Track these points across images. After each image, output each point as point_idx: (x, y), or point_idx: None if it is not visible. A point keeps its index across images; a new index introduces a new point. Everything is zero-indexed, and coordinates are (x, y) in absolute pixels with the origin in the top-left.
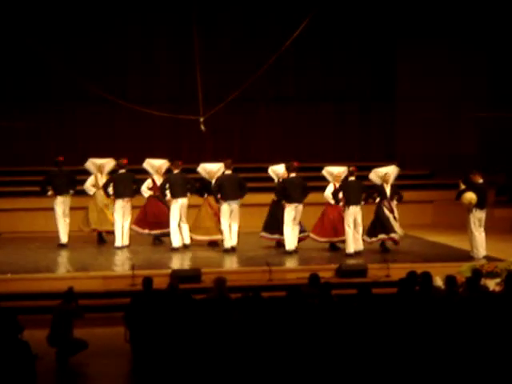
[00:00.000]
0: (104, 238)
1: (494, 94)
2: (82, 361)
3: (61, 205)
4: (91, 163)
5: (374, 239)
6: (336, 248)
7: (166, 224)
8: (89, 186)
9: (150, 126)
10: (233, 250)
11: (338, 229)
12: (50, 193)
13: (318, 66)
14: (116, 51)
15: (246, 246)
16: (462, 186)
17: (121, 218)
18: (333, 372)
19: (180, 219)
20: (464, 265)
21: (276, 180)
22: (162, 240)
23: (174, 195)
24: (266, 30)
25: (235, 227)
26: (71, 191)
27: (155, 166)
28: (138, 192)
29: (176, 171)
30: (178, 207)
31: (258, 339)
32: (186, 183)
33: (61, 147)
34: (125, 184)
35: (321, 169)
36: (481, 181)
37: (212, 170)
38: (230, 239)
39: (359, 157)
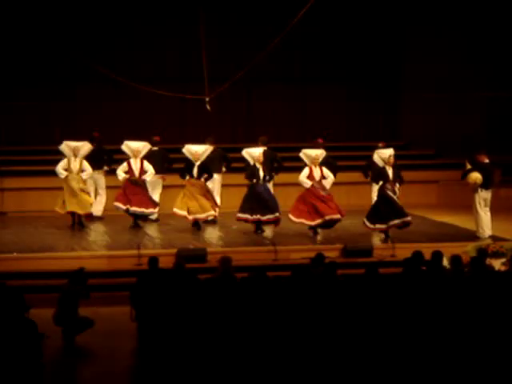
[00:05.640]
0: (83, 223)
1: (501, 73)
2: (88, 340)
3: (91, 180)
4: (66, 146)
5: (375, 226)
6: (316, 232)
7: (144, 205)
8: (60, 169)
9: (157, 105)
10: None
11: (311, 213)
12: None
13: (325, 45)
14: (122, 30)
15: (250, 226)
16: (468, 166)
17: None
18: (338, 351)
19: None
20: (469, 244)
21: (251, 163)
22: (140, 225)
23: None
24: (274, 9)
25: None
26: (105, 167)
27: (133, 148)
28: (170, 169)
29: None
30: None
31: (263, 319)
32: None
33: (68, 126)
34: (156, 161)
35: (326, 148)
36: (487, 161)
37: (197, 151)
38: None
39: (365, 137)
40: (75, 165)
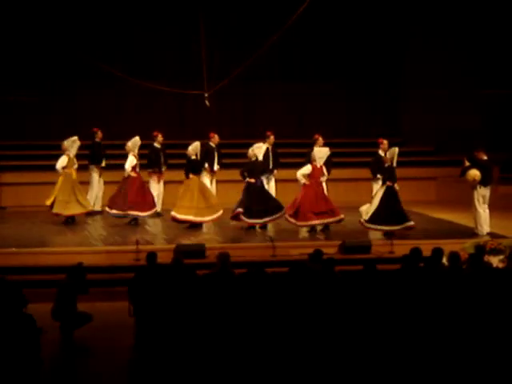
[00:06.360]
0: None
1: (500, 70)
2: (86, 335)
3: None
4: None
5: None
6: (327, 227)
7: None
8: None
9: (156, 101)
10: None
11: (316, 211)
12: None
13: (323, 41)
14: (122, 27)
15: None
16: (467, 163)
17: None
18: (336, 347)
19: None
20: (468, 241)
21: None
22: (137, 221)
23: None
24: (273, 5)
25: None
26: (102, 163)
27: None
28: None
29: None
30: None
31: (261, 315)
32: None
33: (67, 122)
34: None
35: (326, 145)
36: (485, 158)
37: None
38: None
39: (364, 134)
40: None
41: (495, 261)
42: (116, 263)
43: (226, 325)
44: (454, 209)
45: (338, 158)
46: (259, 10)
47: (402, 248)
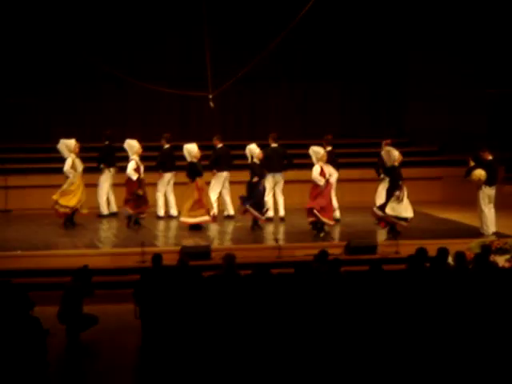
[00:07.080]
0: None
1: (503, 69)
2: (92, 337)
3: (109, 178)
4: (64, 145)
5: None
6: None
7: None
8: (69, 168)
9: (159, 102)
10: (281, 220)
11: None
12: (102, 166)
13: (327, 43)
14: (124, 28)
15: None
16: (472, 163)
17: (162, 190)
18: (342, 348)
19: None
20: (473, 241)
21: (250, 160)
22: (140, 223)
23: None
24: (276, 5)
25: (281, 199)
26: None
27: (135, 146)
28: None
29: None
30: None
31: (267, 316)
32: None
33: (70, 124)
34: (170, 158)
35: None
36: (490, 158)
37: (192, 150)
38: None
39: (368, 133)
40: (80, 163)
41: (501, 260)
42: (121, 265)
43: (232, 326)
44: (459, 208)
45: (343, 158)
46: (262, 11)
47: (407, 248)
